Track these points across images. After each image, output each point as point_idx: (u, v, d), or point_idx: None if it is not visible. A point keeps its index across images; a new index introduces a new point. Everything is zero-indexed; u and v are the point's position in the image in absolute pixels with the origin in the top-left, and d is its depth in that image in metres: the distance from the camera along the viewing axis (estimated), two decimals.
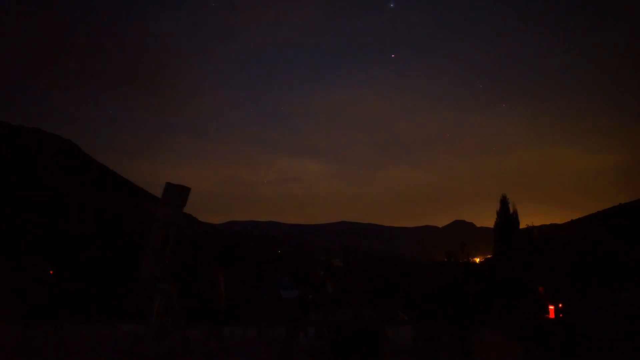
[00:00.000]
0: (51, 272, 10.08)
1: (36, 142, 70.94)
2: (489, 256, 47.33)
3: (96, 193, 61.45)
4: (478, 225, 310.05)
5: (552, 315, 8.24)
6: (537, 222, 38.63)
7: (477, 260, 59.29)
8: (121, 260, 28.69)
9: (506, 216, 35.25)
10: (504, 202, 35.92)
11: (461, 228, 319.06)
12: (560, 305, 8.17)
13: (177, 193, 9.78)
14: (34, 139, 72.74)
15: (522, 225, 34.33)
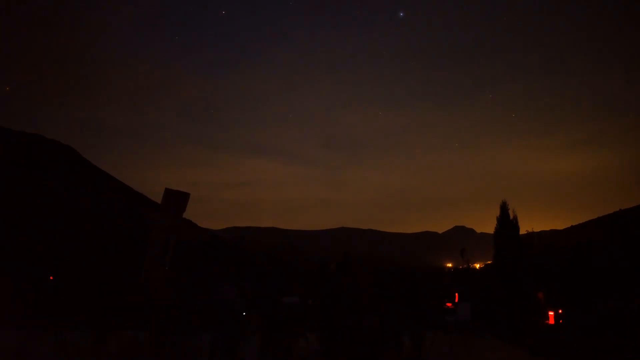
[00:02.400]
0: (51, 277, 10.10)
1: (36, 148, 71.03)
2: (489, 262, 47.28)
3: (96, 199, 61.44)
4: (478, 231, 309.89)
5: (552, 321, 8.25)
6: (538, 227, 38.59)
7: (477, 266, 59.23)
8: (121, 267, 28.61)
9: (506, 222, 35.15)
10: (503, 208, 35.80)
11: (461, 234, 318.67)
12: (560, 311, 8.19)
13: (176, 199, 9.78)
14: (34, 144, 72.86)
15: (522, 232, 34.30)
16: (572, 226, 65.08)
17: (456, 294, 10.16)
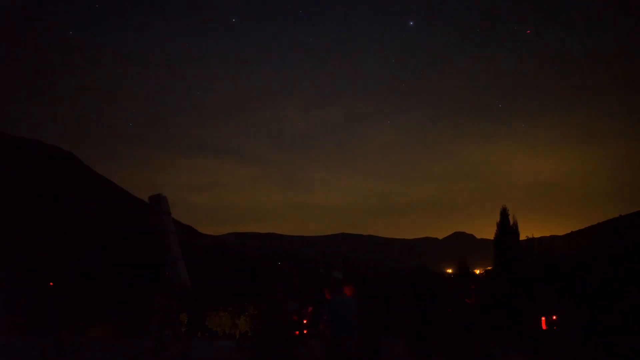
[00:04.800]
0: (51, 283, 10.12)
1: (37, 154, 71.07)
2: (489, 268, 47.15)
3: (96, 204, 61.40)
4: (478, 237, 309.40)
5: (544, 326, 8.28)
6: (538, 233, 38.48)
7: (477, 272, 59.04)
8: (121, 272, 28.60)
9: (506, 228, 35.09)
10: (504, 213, 35.78)
11: (461, 240, 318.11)
12: (555, 317, 8.20)
13: (163, 202, 10.02)
14: (34, 150, 72.90)
15: (523, 237, 34.21)
16: (572, 232, 65.08)
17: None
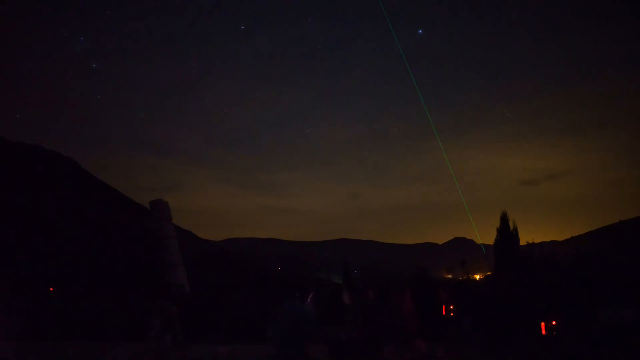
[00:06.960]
0: (51, 289, 10.14)
1: (36, 159, 71.12)
2: (489, 273, 47.19)
3: (96, 210, 61.41)
4: (478, 242, 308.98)
5: (543, 331, 8.27)
6: (538, 239, 38.55)
7: (477, 277, 59.04)
8: (120, 276, 28.58)
9: (506, 233, 35.17)
10: (504, 218, 35.88)
11: (461, 245, 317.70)
12: (554, 322, 8.20)
13: (163, 207, 10.06)
14: (34, 156, 72.96)
15: (522, 243, 34.33)
16: (572, 237, 65.13)
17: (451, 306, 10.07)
